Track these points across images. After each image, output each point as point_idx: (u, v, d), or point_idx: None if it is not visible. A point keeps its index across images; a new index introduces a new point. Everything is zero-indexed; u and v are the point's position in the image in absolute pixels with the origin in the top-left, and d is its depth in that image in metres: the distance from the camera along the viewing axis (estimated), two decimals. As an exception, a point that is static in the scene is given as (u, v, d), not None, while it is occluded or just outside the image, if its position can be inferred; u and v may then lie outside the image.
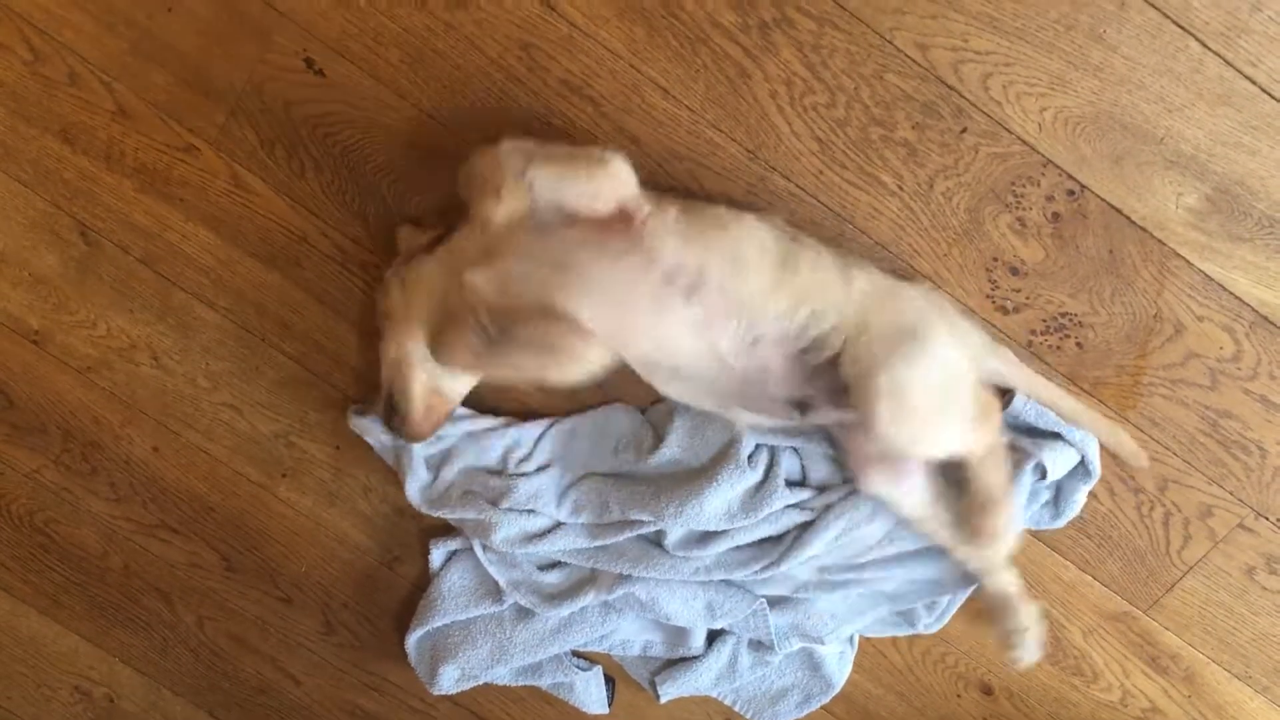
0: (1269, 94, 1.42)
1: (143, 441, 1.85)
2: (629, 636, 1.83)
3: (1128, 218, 1.51)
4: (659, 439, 1.68)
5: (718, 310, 1.42)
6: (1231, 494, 1.65)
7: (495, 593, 1.79)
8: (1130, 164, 1.48)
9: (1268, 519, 1.66)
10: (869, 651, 1.86)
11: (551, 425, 1.72)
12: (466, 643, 1.81)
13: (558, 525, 1.72)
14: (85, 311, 1.77)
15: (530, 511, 1.71)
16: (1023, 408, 1.60)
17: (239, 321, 1.75)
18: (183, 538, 1.91)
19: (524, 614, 1.81)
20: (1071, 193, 1.49)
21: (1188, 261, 1.53)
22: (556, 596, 1.77)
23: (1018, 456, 1.60)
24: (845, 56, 1.47)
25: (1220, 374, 1.58)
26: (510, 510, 1.70)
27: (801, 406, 1.51)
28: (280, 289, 1.71)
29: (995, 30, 1.44)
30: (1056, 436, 1.61)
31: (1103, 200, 1.51)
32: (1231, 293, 1.53)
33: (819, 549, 1.67)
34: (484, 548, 1.77)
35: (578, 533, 1.71)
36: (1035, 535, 1.72)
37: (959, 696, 1.87)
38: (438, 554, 1.83)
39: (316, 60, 1.57)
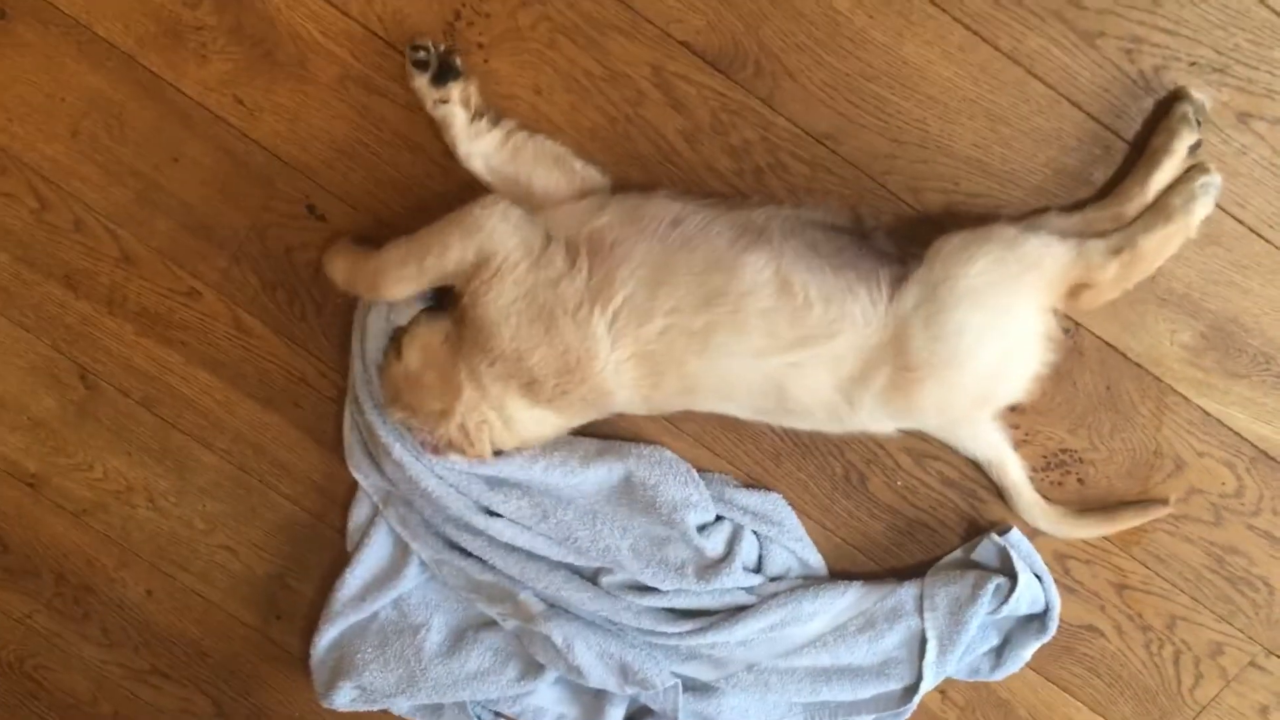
0: (1257, 234, 1.44)
1: (137, 585, 1.83)
2: (544, 704, 1.76)
3: (1123, 354, 1.52)
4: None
5: None
6: (1241, 631, 1.63)
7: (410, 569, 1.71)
8: (1123, 302, 1.49)
9: (1278, 656, 1.63)
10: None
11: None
12: (377, 663, 1.72)
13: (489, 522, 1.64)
14: (83, 454, 1.76)
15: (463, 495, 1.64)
16: (1018, 542, 1.59)
17: (237, 463, 1.74)
18: (174, 683, 1.87)
19: (444, 652, 1.72)
20: (1067, 330, 1.50)
21: (1185, 398, 1.53)
22: (478, 587, 1.68)
23: (979, 578, 1.59)
24: (839, 200, 1.50)
25: (1224, 510, 1.57)
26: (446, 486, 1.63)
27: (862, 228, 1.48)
28: (279, 429, 1.72)
29: (985, 174, 1.46)
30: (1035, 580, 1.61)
31: (1098, 337, 1.52)
32: (1230, 428, 1.53)
33: (750, 633, 1.63)
34: (403, 521, 1.69)
35: (513, 532, 1.64)
36: (1043, 675, 1.69)
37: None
38: (361, 509, 1.73)
39: (318, 206, 1.59)
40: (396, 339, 1.54)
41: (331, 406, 1.69)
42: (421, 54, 1.46)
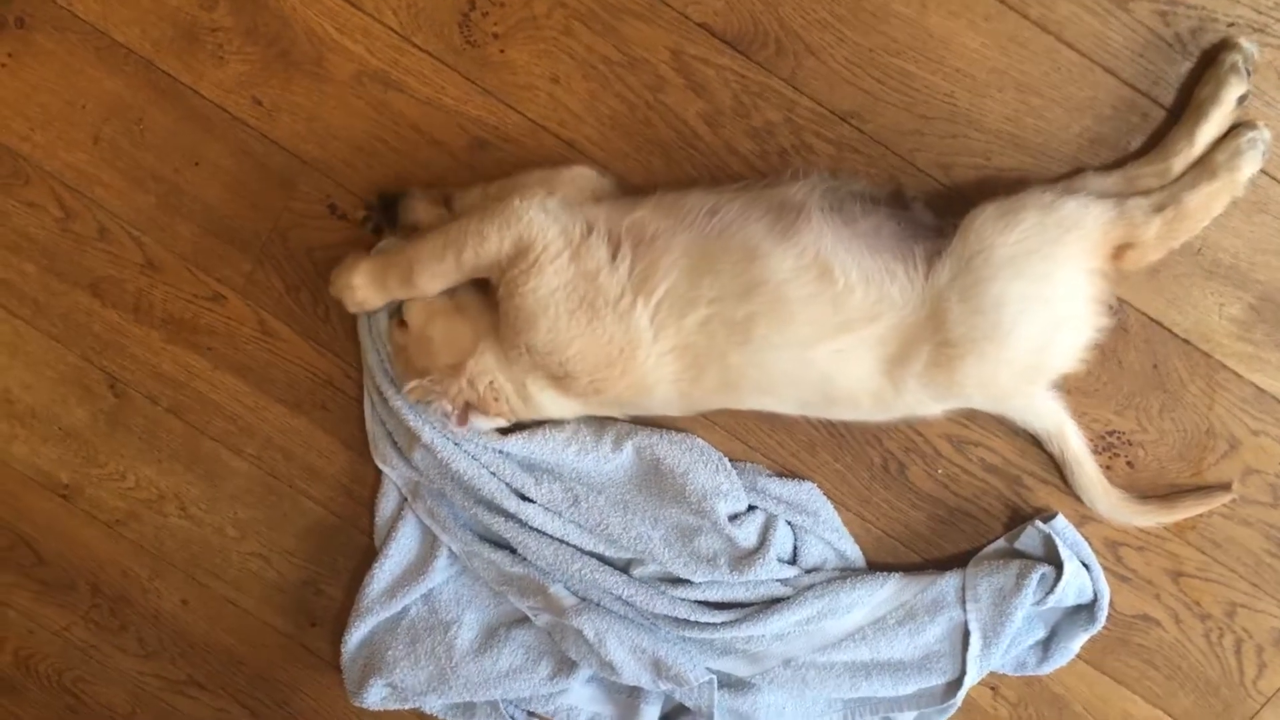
0: (1307, 199, 1.38)
1: (171, 595, 1.82)
2: (577, 703, 1.72)
3: (1170, 330, 1.46)
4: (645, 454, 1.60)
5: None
6: (1306, 618, 1.56)
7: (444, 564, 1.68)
8: (1168, 276, 1.43)
9: (1347, 643, 1.56)
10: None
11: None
12: (408, 660, 1.68)
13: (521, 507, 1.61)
14: (114, 464, 1.76)
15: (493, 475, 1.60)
16: (1063, 529, 1.53)
17: (267, 468, 1.73)
18: (210, 694, 1.86)
19: (476, 649, 1.68)
20: (1111, 308, 1.44)
21: (1236, 374, 1.47)
22: (509, 580, 1.65)
23: (1024, 568, 1.53)
24: (866, 180, 1.45)
25: (1283, 490, 1.51)
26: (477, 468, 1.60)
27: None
28: (307, 434, 1.70)
29: (1017, 147, 1.42)
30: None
31: (1142, 314, 1.46)
32: (1287, 404, 1.47)
33: (786, 626, 1.58)
34: (432, 514, 1.66)
35: (544, 518, 1.61)
36: (1098, 668, 1.63)
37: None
38: (387, 502, 1.70)
39: (339, 205, 1.58)
40: (399, 309, 1.53)
41: (357, 409, 1.67)
42: (369, 223, 1.56)
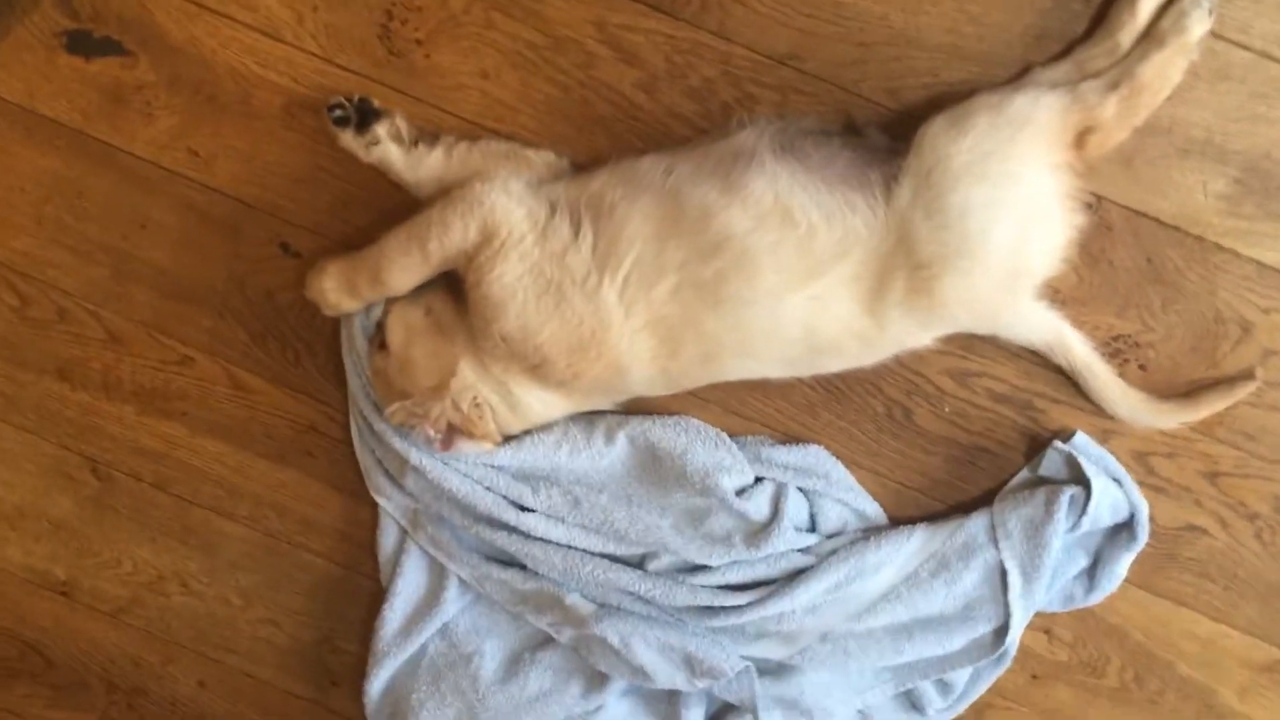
0: (1269, 56, 1.32)
1: (187, 678, 1.77)
2: (616, 719, 1.63)
3: (1156, 219, 1.40)
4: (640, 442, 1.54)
5: None
6: (1357, 500, 1.47)
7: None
8: (1142, 162, 1.37)
9: (1407, 520, 1.47)
10: None
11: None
12: (433, 700, 1.61)
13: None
14: (108, 550, 1.72)
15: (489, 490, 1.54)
16: (1084, 445, 1.46)
17: (261, 528, 1.68)
18: (242, 774, 1.79)
19: (501, 678, 1.61)
20: (1089, 205, 1.38)
21: (1235, 253, 1.40)
22: (524, 598, 1.57)
23: (1051, 493, 1.46)
24: (815, 120, 1.41)
25: (1307, 366, 1.43)
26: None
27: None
28: (296, 485, 1.65)
29: (962, 58, 1.37)
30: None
31: (1124, 207, 1.40)
32: (1292, 275, 1.40)
33: (815, 596, 1.50)
34: (434, 542, 1.59)
35: (548, 526, 1.53)
36: (1151, 590, 1.54)
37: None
38: (388, 537, 1.64)
39: (290, 243, 1.54)
40: (378, 332, 1.47)
41: (344, 450, 1.62)
42: (338, 111, 1.43)
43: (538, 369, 1.40)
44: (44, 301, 1.61)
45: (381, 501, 1.60)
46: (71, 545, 1.72)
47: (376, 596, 1.67)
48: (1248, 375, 1.44)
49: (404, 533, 1.62)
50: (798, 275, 1.31)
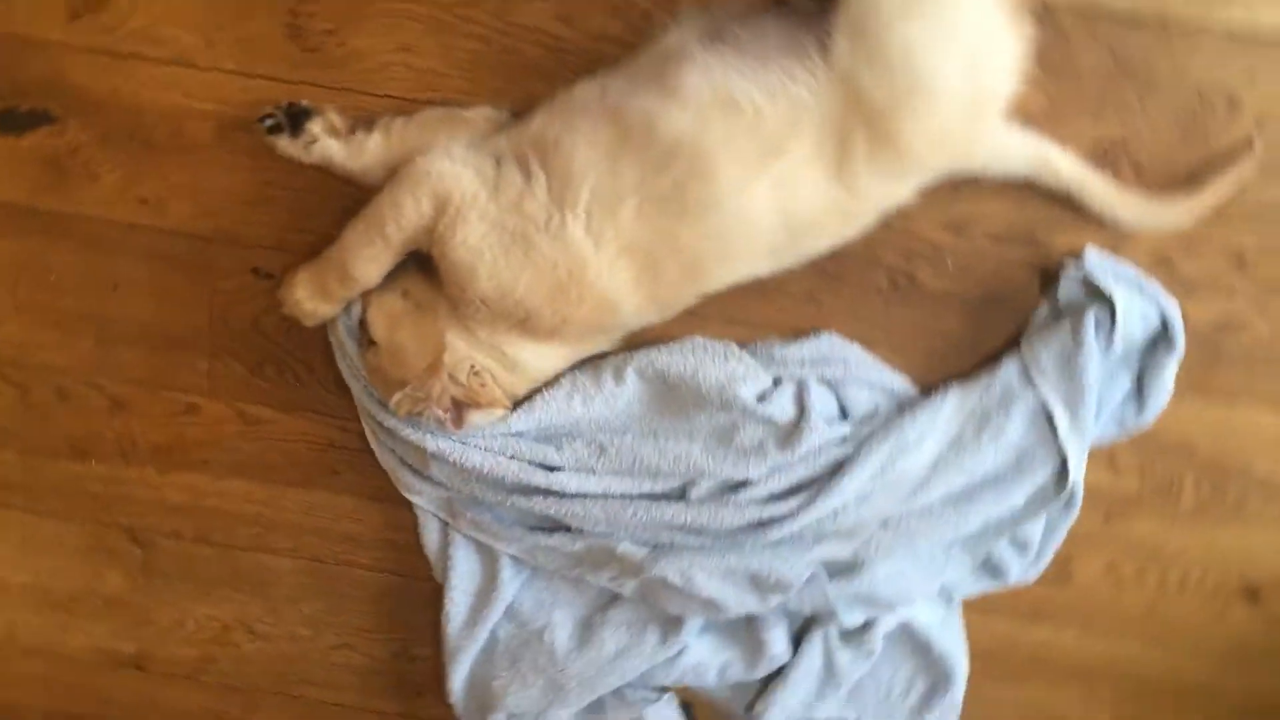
0: None
1: (275, 722, 1.76)
2: (700, 659, 1.59)
3: (1110, 14, 1.33)
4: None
5: None
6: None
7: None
8: (1082, -41, 1.32)
9: None
10: (1096, 604, 1.60)
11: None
12: (516, 683, 1.58)
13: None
14: (167, 615, 1.72)
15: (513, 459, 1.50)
16: (1096, 260, 1.40)
17: (309, 555, 1.67)
18: (351, 806, 1.79)
19: (577, 645, 1.58)
20: (1033, 14, 1.32)
21: (1199, 25, 1.33)
22: (577, 559, 1.54)
23: (1075, 318, 1.40)
24: (740, 4, 1.36)
25: (1310, 122, 1.36)
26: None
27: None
28: (330, 504, 1.64)
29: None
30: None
31: (1072, 7, 1.33)
32: (1265, 34, 1.33)
33: (862, 484, 1.45)
34: (477, 525, 1.56)
35: (580, 480, 1.50)
36: (1204, 396, 1.48)
37: (1221, 617, 1.59)
38: (430, 534, 1.60)
39: (261, 266, 1.53)
40: (362, 329, 1.45)
41: (366, 458, 1.60)
42: (269, 120, 1.42)
43: (525, 323, 1.37)
44: (40, 385, 1.61)
45: (415, 499, 1.58)
46: (131, 618, 1.72)
47: (437, 596, 1.64)
48: (1245, 147, 1.37)
49: (445, 525, 1.59)
50: (755, 161, 1.27)
